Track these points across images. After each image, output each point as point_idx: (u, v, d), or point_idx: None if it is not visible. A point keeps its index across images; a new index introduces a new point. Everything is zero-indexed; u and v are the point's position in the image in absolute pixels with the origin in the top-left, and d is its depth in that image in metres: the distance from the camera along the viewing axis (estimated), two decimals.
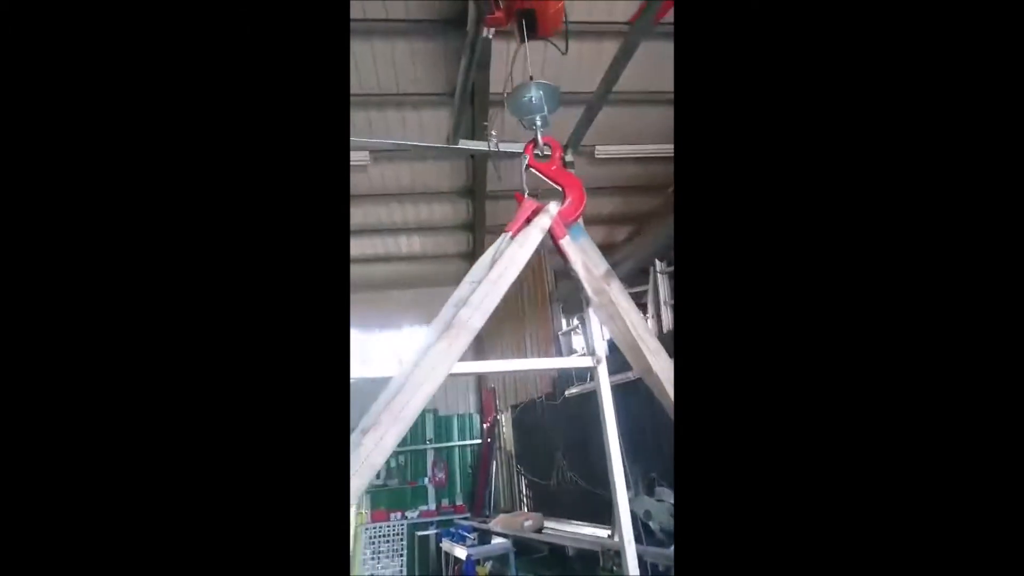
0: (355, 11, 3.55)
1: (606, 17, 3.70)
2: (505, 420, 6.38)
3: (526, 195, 1.45)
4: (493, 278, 1.28)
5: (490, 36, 3.57)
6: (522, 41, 1.68)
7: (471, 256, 6.41)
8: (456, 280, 1.39)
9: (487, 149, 2.26)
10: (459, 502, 6.53)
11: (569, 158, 2.48)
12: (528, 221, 1.40)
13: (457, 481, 6.65)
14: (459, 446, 6.79)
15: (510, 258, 1.33)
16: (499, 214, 5.67)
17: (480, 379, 6.91)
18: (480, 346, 6.87)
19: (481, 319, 1.23)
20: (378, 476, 6.39)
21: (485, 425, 6.73)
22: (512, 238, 1.37)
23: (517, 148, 1.61)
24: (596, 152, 4.99)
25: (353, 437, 1.02)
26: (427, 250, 6.57)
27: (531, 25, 1.71)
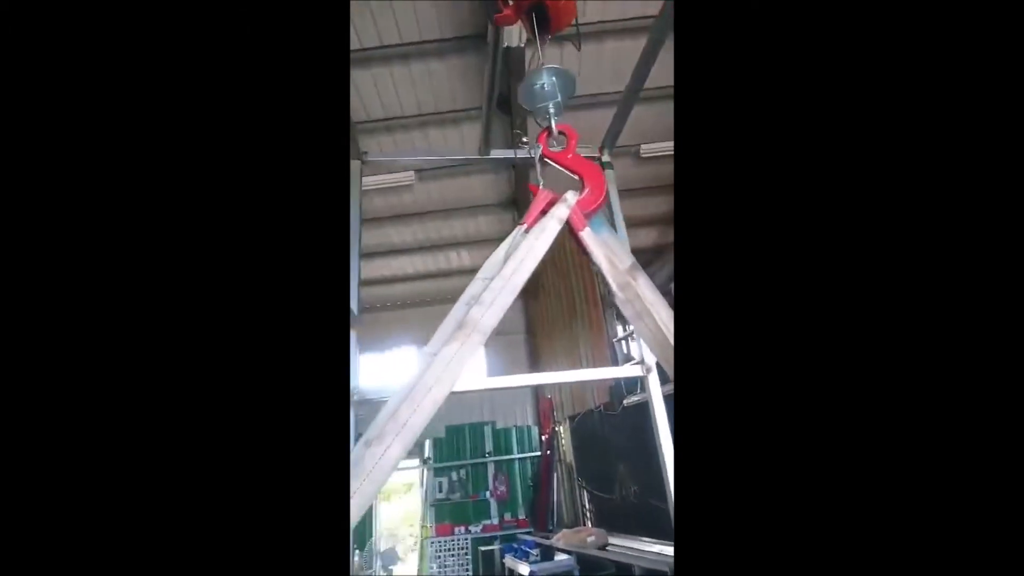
0: (392, 36, 3.68)
1: (641, 12, 3.59)
2: (564, 431, 6.22)
3: (540, 186, 1.37)
4: (507, 274, 1.20)
5: (522, 44, 3.56)
6: (533, 36, 1.62)
7: None
8: None
9: (514, 156, 2.22)
10: (521, 516, 6.42)
11: (606, 159, 2.39)
12: (544, 213, 1.31)
13: (519, 494, 6.55)
14: (519, 459, 6.71)
15: (525, 252, 1.24)
16: None
17: (537, 389, 6.82)
18: (535, 354, 6.79)
19: (494, 318, 1.16)
20: (441, 489, 6.44)
21: (543, 437, 6.60)
22: (527, 231, 1.29)
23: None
24: (641, 151, 4.83)
25: (356, 450, 0.97)
26: (475, 263, 6.62)
27: (543, 20, 1.64)
